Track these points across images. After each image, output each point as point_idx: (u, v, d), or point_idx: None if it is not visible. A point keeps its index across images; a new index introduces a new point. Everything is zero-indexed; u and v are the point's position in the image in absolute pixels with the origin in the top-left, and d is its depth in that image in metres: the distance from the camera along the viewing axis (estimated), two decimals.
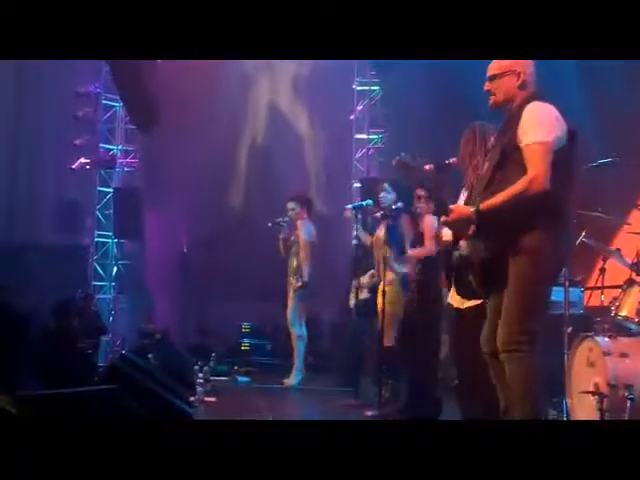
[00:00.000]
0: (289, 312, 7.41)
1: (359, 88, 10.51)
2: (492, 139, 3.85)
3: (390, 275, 5.83)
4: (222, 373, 7.71)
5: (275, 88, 10.65)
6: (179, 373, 5.20)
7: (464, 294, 4.29)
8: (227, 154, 10.39)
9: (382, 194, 6.03)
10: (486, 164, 3.66)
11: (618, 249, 5.63)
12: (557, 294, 5.84)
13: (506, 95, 3.60)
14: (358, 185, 10.19)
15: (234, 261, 9.49)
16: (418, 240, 5.59)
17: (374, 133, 10.36)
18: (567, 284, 5.66)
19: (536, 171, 3.34)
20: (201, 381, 5.78)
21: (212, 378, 6.62)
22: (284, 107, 10.65)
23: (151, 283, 10.02)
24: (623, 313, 5.21)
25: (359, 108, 10.53)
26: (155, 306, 9.87)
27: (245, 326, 8.91)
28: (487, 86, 3.65)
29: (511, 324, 3.41)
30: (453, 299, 4.60)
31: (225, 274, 9.46)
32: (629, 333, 5.32)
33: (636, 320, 5.14)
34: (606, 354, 4.99)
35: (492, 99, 3.65)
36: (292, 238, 7.53)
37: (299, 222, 7.48)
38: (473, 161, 4.16)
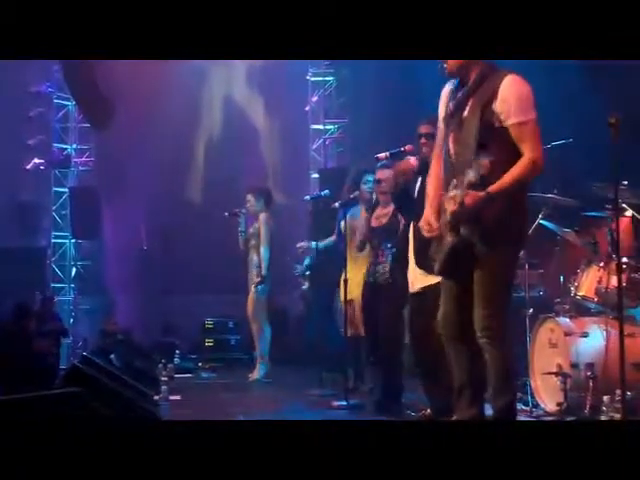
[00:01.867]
0: (250, 307, 7.38)
1: (313, 79, 10.48)
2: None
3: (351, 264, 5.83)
4: (187, 370, 7.66)
5: (229, 81, 10.57)
6: (142, 372, 5.15)
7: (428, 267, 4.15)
8: (183, 149, 10.31)
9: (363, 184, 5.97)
10: (456, 142, 3.51)
11: (575, 230, 5.69)
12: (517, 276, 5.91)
13: (461, 61, 3.49)
14: (316, 176, 10.17)
15: (195, 256, 9.43)
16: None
17: (330, 123, 10.34)
18: (527, 266, 5.73)
19: (536, 152, 3.34)
20: (165, 379, 5.72)
21: (176, 376, 6.58)
22: (239, 100, 10.58)
23: (112, 282, 9.90)
24: (582, 293, 5.28)
25: (314, 99, 10.50)
26: (117, 306, 9.76)
27: (208, 322, 8.85)
28: None
29: (495, 308, 3.42)
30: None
31: (186, 270, 9.40)
32: (589, 312, 5.40)
33: (595, 299, 5.22)
34: (567, 334, 5.05)
35: (450, 66, 3.54)
36: (251, 231, 7.49)
37: (261, 215, 7.44)
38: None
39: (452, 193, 3.35)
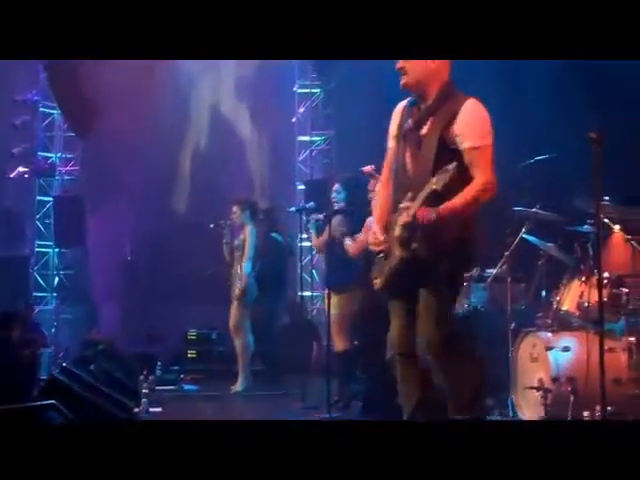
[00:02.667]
0: (232, 318, 7.36)
1: (300, 90, 10.49)
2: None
3: None
4: (169, 382, 7.61)
5: (217, 91, 10.56)
6: (123, 383, 5.10)
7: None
8: (170, 158, 10.27)
9: (333, 194, 6.04)
10: (414, 158, 3.54)
11: (558, 244, 5.71)
12: (499, 290, 5.93)
13: (420, 77, 3.50)
14: (302, 187, 10.16)
15: (179, 267, 9.39)
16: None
17: (316, 135, 10.35)
18: (510, 280, 5.74)
19: (488, 176, 3.38)
20: (146, 391, 5.68)
21: (158, 387, 6.53)
22: (226, 111, 10.56)
23: (95, 292, 9.84)
24: (564, 307, 5.29)
25: (301, 110, 10.51)
26: (100, 315, 9.70)
27: (191, 333, 8.80)
28: (400, 64, 3.53)
29: (445, 324, 3.44)
30: None
31: (170, 280, 9.34)
32: (571, 327, 5.40)
33: (577, 314, 5.23)
34: (549, 349, 5.06)
35: (404, 79, 3.53)
36: (236, 242, 7.49)
37: (247, 227, 7.44)
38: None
39: (406, 204, 3.38)
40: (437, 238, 3.38)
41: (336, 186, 6.03)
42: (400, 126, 3.63)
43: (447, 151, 3.39)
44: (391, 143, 3.72)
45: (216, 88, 10.54)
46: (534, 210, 5.57)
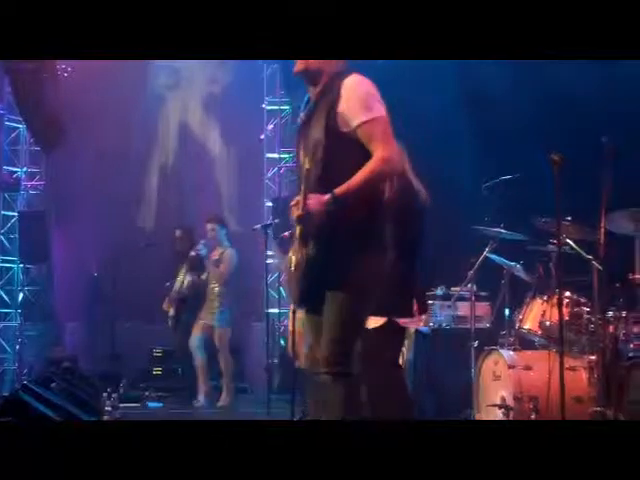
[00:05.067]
0: (218, 337, 7.39)
1: (269, 107, 10.51)
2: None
3: None
4: (133, 399, 7.55)
5: (185, 107, 10.56)
6: (85, 401, 5.04)
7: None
8: (137, 174, 10.24)
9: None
10: (306, 151, 3.21)
11: (521, 264, 5.79)
12: (463, 308, 6.00)
13: (310, 63, 3.22)
14: (270, 204, 10.17)
15: (146, 284, 9.32)
16: None
17: (285, 152, 10.38)
18: (473, 299, 5.81)
19: (386, 149, 3.07)
20: (109, 409, 5.63)
21: (122, 405, 6.46)
22: (194, 126, 10.57)
23: (60, 308, 9.74)
24: (527, 326, 5.36)
25: (269, 127, 10.53)
26: (65, 332, 9.60)
27: (157, 350, 8.74)
28: None
29: (343, 341, 3.09)
30: None
31: (136, 297, 9.28)
32: (533, 345, 5.48)
33: (539, 333, 5.30)
34: (511, 367, 5.11)
35: (298, 64, 3.26)
36: (212, 260, 7.51)
37: (226, 249, 7.49)
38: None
39: (296, 199, 3.12)
40: (338, 232, 3.05)
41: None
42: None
43: (338, 135, 3.10)
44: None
45: (184, 105, 10.55)
46: (498, 230, 5.64)
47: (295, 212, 3.11)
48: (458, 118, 7.21)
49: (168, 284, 7.96)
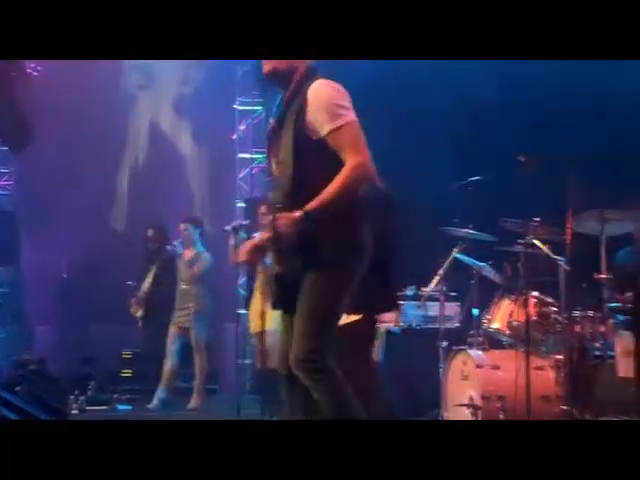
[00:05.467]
0: (193, 338, 7.35)
1: (241, 108, 10.48)
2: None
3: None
4: (102, 402, 7.49)
5: (157, 107, 10.51)
6: (49, 404, 4.99)
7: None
8: (108, 174, 10.16)
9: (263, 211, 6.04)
10: (277, 159, 3.15)
11: (489, 264, 5.82)
12: (432, 308, 6.02)
13: (277, 64, 3.13)
14: (242, 205, 10.14)
15: (116, 285, 9.25)
16: None
17: (257, 152, 10.36)
18: (442, 299, 5.83)
19: (359, 156, 2.98)
20: (76, 412, 5.58)
21: (90, 408, 6.41)
22: (166, 127, 10.53)
23: (30, 310, 9.64)
24: (494, 326, 5.39)
25: (242, 128, 10.50)
26: (34, 335, 9.49)
27: (126, 353, 8.68)
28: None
29: (318, 340, 3.04)
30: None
31: (106, 299, 9.19)
32: (501, 345, 5.51)
33: (507, 333, 5.33)
34: (479, 367, 5.14)
35: (266, 65, 3.16)
36: (185, 262, 7.47)
37: (203, 252, 7.45)
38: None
39: (263, 207, 3.16)
40: (312, 240, 2.98)
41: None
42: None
43: (308, 143, 3.01)
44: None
45: (156, 104, 10.49)
46: (466, 230, 5.67)
47: (268, 233, 3.05)
48: (428, 119, 7.23)
49: (130, 283, 7.88)
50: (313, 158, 3.02)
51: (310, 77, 3.12)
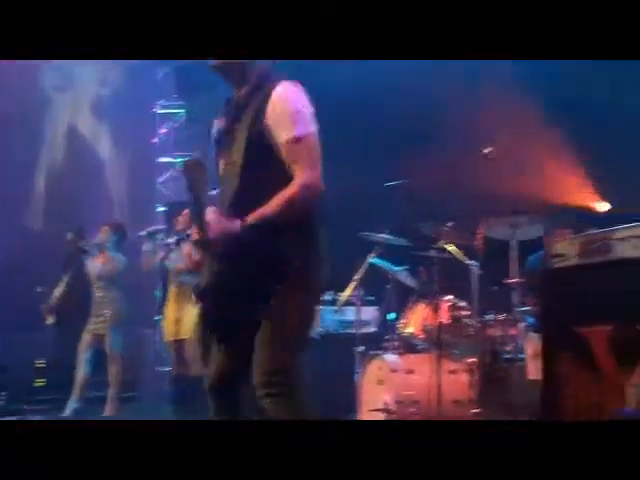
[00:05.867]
0: (109, 346, 7.19)
1: (161, 111, 10.34)
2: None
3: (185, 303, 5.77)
4: (13, 412, 7.25)
5: (75, 111, 10.29)
6: None
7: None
8: (25, 176, 9.88)
9: (179, 218, 5.97)
10: (226, 164, 2.98)
11: (405, 269, 5.87)
12: (349, 313, 6.04)
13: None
14: (163, 209, 10.00)
15: (31, 291, 8.99)
16: None
17: (178, 156, 10.23)
18: (359, 304, 5.85)
19: (309, 173, 2.78)
20: None
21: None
22: (84, 129, 10.31)
23: None
24: (409, 330, 5.44)
25: (162, 131, 10.36)
26: None
27: (40, 361, 8.43)
28: None
29: (283, 359, 2.85)
30: None
31: (20, 306, 8.93)
32: (416, 349, 5.55)
33: (421, 337, 5.38)
34: (394, 371, 5.16)
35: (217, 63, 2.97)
36: (99, 263, 7.31)
37: (116, 255, 7.30)
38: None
39: (185, 211, 2.90)
40: (249, 254, 2.80)
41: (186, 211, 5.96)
42: (217, 128, 3.08)
43: (261, 147, 2.84)
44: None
45: (74, 106, 10.28)
46: (382, 235, 5.70)
47: (195, 235, 2.83)
48: (339, 122, 7.10)
49: (40, 289, 7.68)
50: (264, 162, 2.84)
51: (271, 77, 2.94)
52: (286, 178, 2.80)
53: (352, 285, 5.87)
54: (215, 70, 2.96)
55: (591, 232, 3.62)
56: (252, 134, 2.83)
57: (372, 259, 5.78)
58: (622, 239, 3.40)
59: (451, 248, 5.45)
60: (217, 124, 3.06)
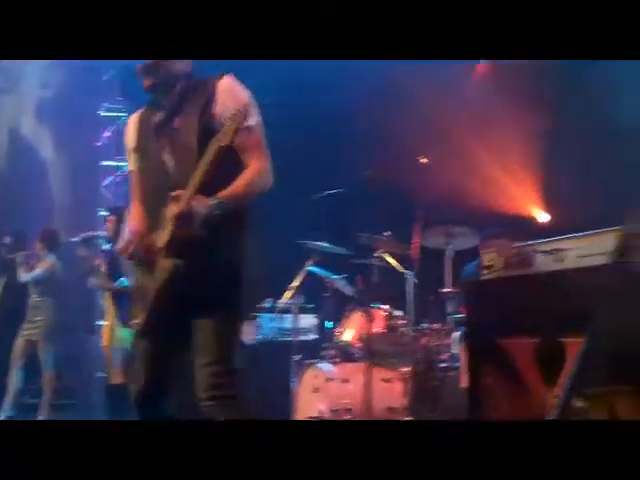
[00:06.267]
0: (18, 356, 7.05)
1: (105, 114, 10.20)
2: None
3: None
4: None
5: (16, 113, 10.10)
6: None
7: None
8: None
9: (107, 224, 5.91)
10: (174, 153, 3.01)
11: (343, 277, 5.89)
12: (286, 321, 6.04)
13: (163, 73, 3.01)
14: (105, 214, 9.86)
15: None
16: None
17: (122, 160, 10.11)
18: (297, 311, 5.85)
19: (262, 160, 2.92)
20: None
21: None
22: (27, 132, 10.12)
23: None
24: (345, 339, 5.45)
25: (107, 134, 10.22)
26: None
27: None
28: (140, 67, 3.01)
29: (227, 361, 2.87)
30: None
31: None
32: (353, 358, 5.56)
33: (357, 345, 5.39)
34: (329, 380, 5.17)
35: (146, 80, 3.01)
36: (35, 269, 7.18)
37: (48, 260, 7.18)
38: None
39: (177, 192, 2.84)
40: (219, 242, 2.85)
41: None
42: (141, 135, 3.13)
43: (212, 136, 2.87)
44: (132, 162, 3.18)
45: (16, 109, 10.09)
46: (320, 243, 5.71)
47: (175, 208, 2.81)
48: (278, 128, 7.03)
49: None
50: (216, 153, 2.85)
51: (196, 78, 3.06)
52: (236, 169, 2.89)
53: (290, 293, 5.87)
54: (148, 90, 3.02)
55: (517, 244, 3.66)
56: (202, 124, 2.91)
57: (310, 267, 5.78)
58: (546, 252, 3.45)
59: (388, 257, 5.48)
60: (136, 133, 3.12)
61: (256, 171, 2.90)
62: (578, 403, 2.88)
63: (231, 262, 2.92)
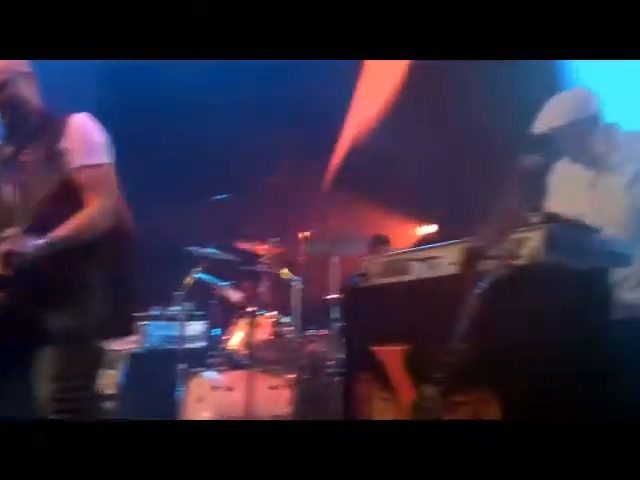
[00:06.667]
0: None
1: None
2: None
3: None
4: None
5: None
6: None
7: None
8: None
9: None
10: (16, 189, 2.99)
11: (231, 284, 5.84)
12: (173, 329, 5.94)
13: (7, 101, 2.99)
14: None
15: None
16: None
17: None
18: (183, 319, 5.77)
19: (108, 199, 2.94)
20: None
21: None
22: None
23: None
24: (232, 346, 5.40)
25: None
26: None
27: None
28: None
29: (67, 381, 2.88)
30: None
31: None
32: (240, 365, 5.51)
33: (243, 352, 5.35)
34: (214, 388, 5.10)
35: None
36: None
37: None
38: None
39: (8, 232, 2.86)
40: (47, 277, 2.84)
41: None
42: None
43: (57, 173, 2.91)
44: None
45: None
46: (206, 250, 5.65)
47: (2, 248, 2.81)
48: (160, 131, 6.80)
49: None
50: (60, 189, 2.91)
51: (47, 113, 3.06)
52: (74, 207, 2.90)
53: (177, 300, 5.77)
54: None
55: (395, 252, 3.70)
56: (49, 160, 2.92)
57: (198, 274, 5.70)
58: (421, 259, 3.49)
59: (275, 264, 5.47)
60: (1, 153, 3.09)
61: (92, 211, 2.91)
62: (442, 408, 2.92)
63: (72, 293, 2.90)
